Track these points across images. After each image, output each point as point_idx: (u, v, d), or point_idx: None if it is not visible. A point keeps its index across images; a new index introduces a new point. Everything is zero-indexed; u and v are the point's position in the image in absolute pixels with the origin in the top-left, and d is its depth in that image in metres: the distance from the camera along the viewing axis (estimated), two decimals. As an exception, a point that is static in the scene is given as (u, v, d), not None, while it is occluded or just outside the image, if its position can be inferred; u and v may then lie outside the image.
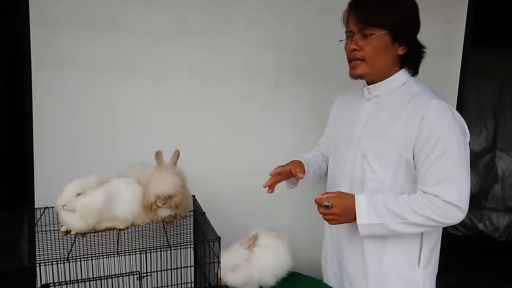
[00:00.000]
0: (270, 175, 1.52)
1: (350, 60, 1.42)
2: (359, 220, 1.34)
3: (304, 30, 1.95)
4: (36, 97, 1.67)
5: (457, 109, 2.11)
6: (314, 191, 1.82)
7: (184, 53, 1.80)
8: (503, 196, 3.94)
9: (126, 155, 1.71)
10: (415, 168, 1.35)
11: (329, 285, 1.62)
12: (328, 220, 1.39)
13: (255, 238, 1.52)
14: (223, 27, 1.84)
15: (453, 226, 4.00)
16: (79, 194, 1.31)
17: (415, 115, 1.31)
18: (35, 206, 1.57)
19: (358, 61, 1.38)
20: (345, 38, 1.42)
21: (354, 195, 1.37)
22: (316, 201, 1.38)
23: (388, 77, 1.42)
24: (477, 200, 3.93)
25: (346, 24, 1.42)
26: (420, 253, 1.42)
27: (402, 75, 1.42)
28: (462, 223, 4.01)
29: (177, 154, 1.53)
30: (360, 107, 1.49)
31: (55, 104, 1.69)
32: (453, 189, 1.27)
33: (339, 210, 1.35)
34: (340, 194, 1.39)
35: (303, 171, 1.53)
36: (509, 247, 3.82)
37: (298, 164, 1.56)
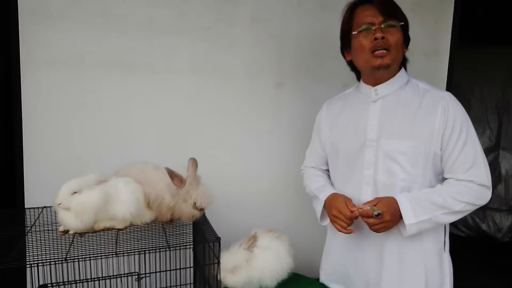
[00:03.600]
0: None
1: (375, 50, 1.37)
2: (407, 221, 1.33)
3: (306, 29, 1.94)
4: (26, 96, 1.60)
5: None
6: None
7: (184, 50, 1.78)
8: (506, 196, 3.91)
9: (124, 154, 1.69)
10: (442, 159, 1.38)
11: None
12: (377, 230, 1.35)
13: (254, 238, 1.51)
14: (225, 25, 1.82)
15: (456, 226, 3.98)
16: (74, 193, 1.30)
17: (436, 109, 1.36)
18: (29, 206, 1.55)
19: (385, 51, 1.36)
20: (361, 30, 1.38)
21: (393, 197, 1.35)
22: (363, 213, 1.33)
23: (393, 76, 1.43)
24: (480, 200, 3.91)
25: (351, 19, 1.41)
26: (444, 239, 1.47)
27: (403, 74, 1.46)
28: (465, 223, 3.99)
29: (195, 164, 1.52)
30: (365, 109, 1.46)
31: (47, 103, 1.64)
32: (482, 171, 1.35)
33: (389, 217, 1.32)
34: (380, 200, 1.35)
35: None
36: (512, 247, 3.80)
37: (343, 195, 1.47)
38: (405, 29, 1.40)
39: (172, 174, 1.44)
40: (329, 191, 1.51)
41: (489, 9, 3.46)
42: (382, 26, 1.36)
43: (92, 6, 1.64)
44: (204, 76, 1.83)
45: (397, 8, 1.40)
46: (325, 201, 1.49)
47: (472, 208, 1.37)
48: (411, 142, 1.37)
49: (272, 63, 1.92)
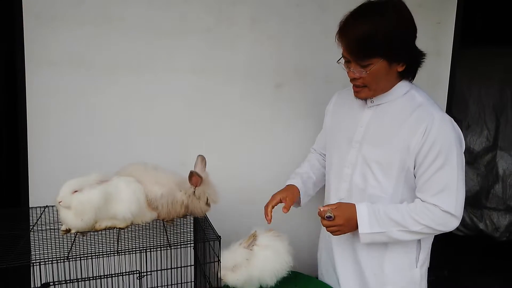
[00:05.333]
0: (267, 218, 1.53)
1: (352, 84, 1.41)
2: (361, 229, 1.36)
3: (305, 30, 1.95)
4: (30, 96, 1.62)
5: (446, 107, 2.17)
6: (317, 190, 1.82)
7: (184, 51, 1.80)
8: (504, 196, 3.93)
9: (126, 153, 1.70)
10: (415, 177, 1.38)
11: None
12: (332, 232, 1.40)
13: (254, 236, 1.52)
14: (224, 26, 1.84)
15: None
16: (75, 191, 1.30)
17: (419, 126, 1.33)
18: (33, 206, 1.56)
19: (361, 87, 1.38)
20: (343, 59, 1.38)
21: (354, 205, 1.39)
22: (319, 214, 1.40)
23: (390, 88, 1.42)
24: (477, 200, 3.92)
25: (341, 45, 1.37)
26: (418, 255, 1.47)
27: (403, 85, 1.42)
28: (463, 223, 4.01)
29: (204, 161, 1.56)
30: (359, 112, 1.49)
31: (50, 103, 1.66)
32: (451, 199, 1.32)
33: (341, 221, 1.36)
34: (340, 204, 1.40)
35: (293, 201, 1.56)
36: (509, 246, 3.82)
37: (291, 192, 1.59)
38: (391, 55, 1.30)
39: (193, 175, 1.46)
40: (291, 181, 1.64)
41: (491, 10, 3.48)
42: (353, 65, 1.32)
43: (95, 9, 1.66)
44: (204, 77, 1.84)
45: (372, 45, 1.26)
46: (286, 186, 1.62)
47: (431, 232, 1.37)
48: (387, 153, 1.38)
49: (272, 64, 1.93)
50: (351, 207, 1.38)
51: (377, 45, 1.27)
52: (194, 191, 1.49)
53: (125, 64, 1.72)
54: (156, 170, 1.53)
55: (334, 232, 1.40)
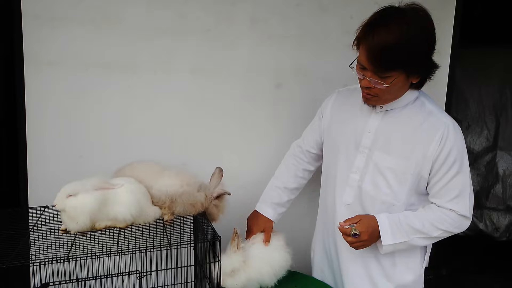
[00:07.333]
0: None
1: (363, 91, 1.38)
2: (384, 241, 1.37)
3: (305, 30, 1.95)
4: (29, 96, 1.62)
5: (446, 106, 2.17)
6: (314, 191, 1.83)
7: (184, 52, 1.80)
8: (503, 196, 3.93)
9: (125, 154, 1.70)
10: (428, 183, 1.39)
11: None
12: (356, 247, 1.39)
13: (236, 234, 1.52)
14: (224, 26, 1.84)
15: (454, 226, 4.00)
16: (70, 196, 1.29)
17: (435, 134, 1.33)
18: (33, 206, 1.56)
19: (372, 95, 1.36)
20: (357, 65, 1.34)
21: (374, 216, 1.38)
22: (342, 231, 1.38)
23: (400, 97, 1.39)
24: (477, 200, 3.91)
25: (357, 50, 1.32)
26: (424, 255, 1.51)
27: (413, 93, 1.40)
28: (463, 223, 4.00)
29: (221, 173, 1.57)
30: (365, 116, 1.46)
31: (49, 103, 1.65)
32: (465, 203, 1.37)
33: (366, 236, 1.36)
34: (361, 218, 1.38)
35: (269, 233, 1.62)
36: (509, 246, 3.82)
37: (268, 225, 1.64)
38: (410, 69, 1.27)
39: (225, 193, 1.53)
40: (264, 209, 1.66)
41: (490, 9, 3.48)
42: (369, 79, 1.29)
43: (94, 9, 1.65)
44: (204, 77, 1.84)
45: (395, 57, 1.22)
46: (256, 210, 1.68)
47: (448, 235, 1.41)
48: (403, 161, 1.37)
49: (271, 64, 1.93)
50: (373, 220, 1.38)
51: (401, 57, 1.23)
52: (215, 201, 1.52)
53: (125, 64, 1.72)
54: (171, 169, 1.55)
55: (358, 247, 1.39)
